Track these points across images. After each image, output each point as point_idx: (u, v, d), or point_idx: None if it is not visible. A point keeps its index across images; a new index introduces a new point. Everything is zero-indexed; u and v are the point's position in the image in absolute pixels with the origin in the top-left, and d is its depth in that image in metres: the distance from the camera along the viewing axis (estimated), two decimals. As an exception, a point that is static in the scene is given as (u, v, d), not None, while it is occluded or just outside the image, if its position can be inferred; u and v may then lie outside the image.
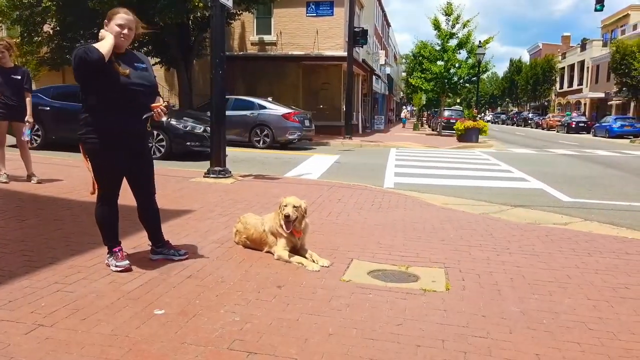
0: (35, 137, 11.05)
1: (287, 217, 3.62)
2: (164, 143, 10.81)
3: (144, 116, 3.28)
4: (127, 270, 3.29)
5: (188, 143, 10.90)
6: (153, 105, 3.23)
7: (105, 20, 3.26)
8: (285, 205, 3.67)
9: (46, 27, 18.67)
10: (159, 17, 15.59)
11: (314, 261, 3.65)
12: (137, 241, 3.97)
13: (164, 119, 3.41)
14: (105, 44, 3.07)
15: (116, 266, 3.30)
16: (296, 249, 3.78)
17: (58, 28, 18.37)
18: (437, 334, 2.56)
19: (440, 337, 2.53)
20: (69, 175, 7.13)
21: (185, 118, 11.43)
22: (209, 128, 10.85)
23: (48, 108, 11.22)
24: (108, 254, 3.38)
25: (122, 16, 3.22)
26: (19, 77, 6.42)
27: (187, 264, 3.54)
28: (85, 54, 2.99)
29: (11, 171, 6.76)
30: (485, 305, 2.98)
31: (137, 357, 2.22)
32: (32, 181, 6.47)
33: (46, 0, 16.41)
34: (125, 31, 3.21)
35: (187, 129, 10.98)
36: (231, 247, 4.02)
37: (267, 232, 3.87)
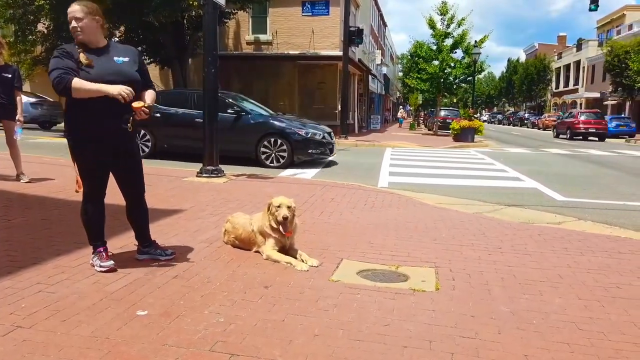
0: (144, 146, 10.33)
1: (285, 219, 3.58)
2: (284, 152, 9.98)
3: (125, 116, 3.13)
4: (112, 270, 3.23)
5: (310, 150, 10.15)
6: (134, 105, 3.08)
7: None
8: (279, 206, 3.62)
9: (40, 26, 18.57)
10: (154, 16, 15.52)
11: (303, 261, 3.61)
12: (125, 241, 3.92)
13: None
14: (88, 87, 2.96)
15: (100, 266, 3.24)
16: (285, 249, 3.74)
17: (52, 27, 18.26)
18: (425, 335, 2.52)
19: (428, 337, 2.49)
20: (61, 174, 7.06)
21: (297, 122, 10.62)
22: (327, 134, 10.61)
23: (158, 115, 10.15)
24: (93, 253, 3.33)
25: (69, 10, 3.11)
26: (10, 76, 6.34)
27: (174, 263, 3.49)
28: (56, 83, 2.94)
29: (2, 170, 6.69)
30: (474, 305, 2.93)
31: (117, 359, 2.16)
32: (22, 180, 6.40)
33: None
34: (73, 24, 3.07)
35: (309, 135, 10.15)
36: (220, 247, 3.97)
37: (256, 232, 3.82)
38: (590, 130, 26.58)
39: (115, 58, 3.19)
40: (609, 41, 37.88)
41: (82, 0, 3.15)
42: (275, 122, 10.29)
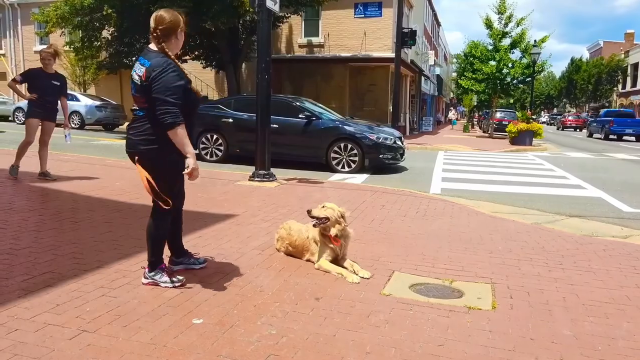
0: (217, 151, 10.73)
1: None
2: (355, 157, 9.94)
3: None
4: (183, 285, 3.19)
5: (381, 155, 10.07)
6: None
7: (169, 32, 3.04)
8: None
9: (104, 33, 19.56)
10: (212, 22, 15.97)
11: (354, 272, 3.58)
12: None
13: None
14: (184, 142, 2.93)
15: (172, 281, 3.18)
16: (337, 259, 3.73)
17: (116, 33, 19.20)
18: (481, 358, 2.43)
19: (484, 361, 2.40)
20: (122, 177, 7.40)
21: (366, 127, 10.47)
22: (398, 139, 10.58)
23: (231, 120, 10.66)
24: (152, 271, 3.22)
25: (177, 21, 3.07)
26: (58, 84, 6.96)
27: (228, 270, 3.56)
28: (167, 122, 2.89)
29: (68, 172, 7.08)
30: (534, 327, 2.81)
31: (173, 368, 2.23)
32: (49, 178, 6.92)
33: (107, 7, 17.16)
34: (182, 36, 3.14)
35: (380, 140, 10.04)
36: (272, 255, 4.01)
37: (310, 239, 3.84)
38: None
39: None
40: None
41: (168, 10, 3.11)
42: (346, 127, 10.28)
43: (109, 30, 19.43)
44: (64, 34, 20.35)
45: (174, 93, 2.90)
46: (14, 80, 6.91)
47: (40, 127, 6.95)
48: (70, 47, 19.96)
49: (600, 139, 28.18)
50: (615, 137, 27.71)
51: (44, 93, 6.79)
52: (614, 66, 54.58)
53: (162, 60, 2.98)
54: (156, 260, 3.24)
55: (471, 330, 2.75)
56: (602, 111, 35.10)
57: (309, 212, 3.74)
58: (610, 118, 28.44)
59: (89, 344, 2.41)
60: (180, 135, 2.91)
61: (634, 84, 51.82)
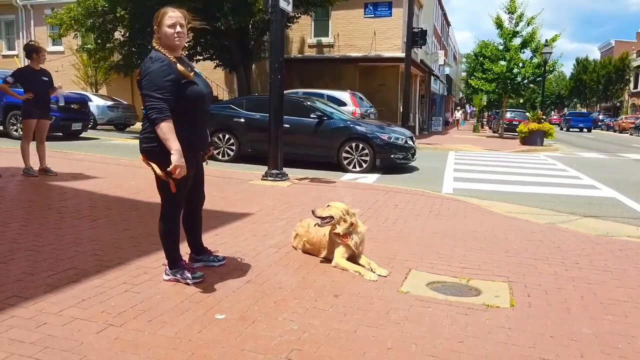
0: (229, 150, 10.84)
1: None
2: (366, 156, 9.98)
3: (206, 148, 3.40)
4: (203, 281, 3.23)
5: (392, 155, 10.10)
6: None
7: (155, 26, 3.05)
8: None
9: (116, 34, 19.73)
10: (224, 22, 16.05)
11: (372, 270, 3.61)
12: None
13: None
14: (170, 137, 2.87)
15: (194, 278, 3.21)
16: (354, 257, 3.76)
17: (128, 35, 19.36)
18: (502, 355, 2.45)
19: (505, 357, 2.42)
20: (137, 176, 7.48)
21: (378, 126, 10.57)
22: (409, 138, 10.60)
23: (243, 120, 10.75)
24: (173, 269, 3.24)
25: (170, 15, 3.01)
26: (47, 79, 7.07)
27: (246, 268, 3.61)
28: (151, 116, 2.87)
29: (83, 171, 7.18)
30: (553, 325, 2.82)
31: (199, 361, 2.28)
32: (50, 174, 7.06)
33: (120, 10, 17.30)
34: (178, 29, 3.01)
35: (391, 140, 10.08)
36: (288, 253, 4.05)
37: (328, 237, 3.87)
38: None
39: (195, 70, 3.22)
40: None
41: (177, 8, 3.11)
42: (358, 127, 10.32)
43: (121, 32, 19.60)
44: (77, 37, 20.55)
45: (160, 88, 2.87)
46: (5, 82, 6.98)
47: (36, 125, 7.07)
48: (83, 50, 20.16)
49: (566, 130, 40.52)
50: (577, 130, 40.67)
51: (37, 91, 6.89)
52: (620, 66, 54.07)
53: (153, 56, 2.98)
54: (175, 258, 3.27)
55: (490, 327, 2.77)
56: (567, 112, 52.41)
57: (313, 212, 3.78)
58: (570, 117, 43.63)
59: (116, 337, 2.46)
60: (164, 130, 2.85)
61: (646, 84, 51.32)
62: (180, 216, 3.26)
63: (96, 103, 19.92)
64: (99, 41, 19.22)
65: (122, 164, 8.93)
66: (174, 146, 2.87)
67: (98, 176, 7.34)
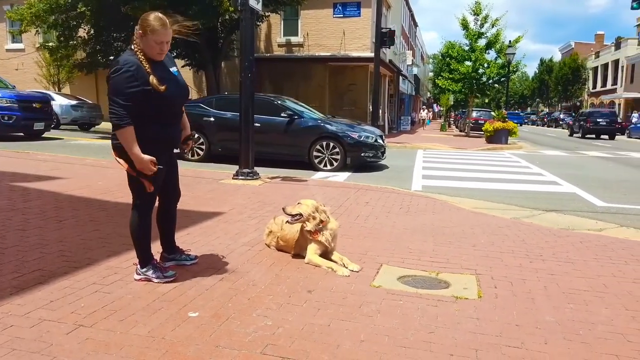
0: (198, 150, 10.67)
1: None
2: (337, 155, 10.04)
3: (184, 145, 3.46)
4: (175, 280, 3.21)
5: (363, 154, 10.21)
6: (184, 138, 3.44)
7: (140, 31, 2.98)
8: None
9: (81, 32, 19.21)
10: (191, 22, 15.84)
11: (344, 265, 3.66)
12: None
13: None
14: (130, 146, 2.91)
15: (165, 277, 3.21)
16: (326, 253, 3.80)
17: (92, 32, 18.88)
18: (470, 344, 2.53)
19: (474, 346, 2.51)
20: (105, 176, 7.33)
21: (348, 125, 10.61)
22: (379, 137, 10.65)
23: (212, 119, 10.62)
24: (144, 267, 3.22)
25: (162, 32, 2.98)
26: None
27: (219, 266, 3.60)
28: (113, 120, 2.90)
29: (48, 172, 6.99)
30: (519, 314, 2.93)
31: (174, 359, 2.27)
32: None
33: (81, 5, 16.85)
34: (164, 47, 3.04)
35: (362, 138, 10.17)
36: (261, 250, 4.06)
37: (300, 234, 3.90)
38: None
39: (171, 69, 3.19)
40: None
41: (160, 14, 3.03)
42: (328, 126, 10.36)
43: (85, 29, 19.09)
44: (39, 33, 19.91)
45: (122, 95, 2.88)
46: None
47: None
48: (45, 47, 19.55)
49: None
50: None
51: None
52: (576, 67, 56.14)
53: (122, 59, 2.96)
54: (146, 256, 3.25)
55: (459, 318, 2.85)
56: (505, 112, 54.85)
57: (284, 209, 3.84)
58: (507, 116, 46.15)
59: (87, 337, 2.42)
60: (124, 136, 2.90)
61: (603, 84, 53.39)
62: (151, 212, 3.24)
63: (59, 102, 19.32)
64: (61, 38, 18.67)
65: (88, 164, 8.72)
66: (134, 152, 2.92)
67: (63, 177, 7.15)
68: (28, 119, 13.35)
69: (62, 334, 2.45)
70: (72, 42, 19.03)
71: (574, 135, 31.48)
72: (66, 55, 20.25)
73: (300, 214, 3.76)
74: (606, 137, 29.07)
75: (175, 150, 3.40)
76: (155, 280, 3.19)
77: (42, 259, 3.55)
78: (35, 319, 2.60)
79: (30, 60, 25.48)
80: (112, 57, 19.71)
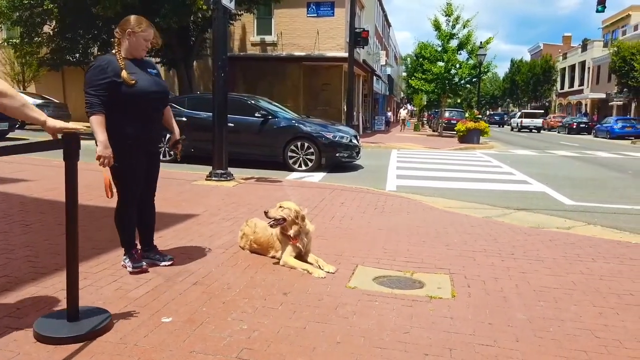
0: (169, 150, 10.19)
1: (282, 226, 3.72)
2: (312, 155, 10.04)
3: (175, 146, 3.79)
4: (144, 271, 3.39)
5: (338, 154, 10.21)
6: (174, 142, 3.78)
7: (128, 30, 3.23)
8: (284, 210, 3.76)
9: (46, 28, 18.67)
10: (163, 22, 15.60)
11: (319, 267, 3.66)
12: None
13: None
14: (97, 130, 3.09)
15: (133, 267, 3.38)
16: (301, 255, 3.79)
17: (58, 29, 18.38)
18: (445, 343, 2.56)
19: (448, 345, 2.54)
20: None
21: (322, 125, 10.58)
22: (353, 137, 10.63)
23: (184, 119, 10.25)
24: (125, 255, 3.45)
25: (149, 31, 3.29)
26: None
27: (193, 269, 3.55)
28: (87, 106, 3.12)
29: (12, 174, 6.76)
30: (491, 313, 2.98)
31: (147, 366, 2.22)
32: None
33: (48, 2, 16.38)
34: (148, 44, 3.35)
35: (336, 139, 10.18)
36: (236, 253, 4.02)
37: (275, 236, 3.88)
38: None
39: (149, 69, 3.37)
40: (616, 42, 37.80)
41: (140, 17, 3.32)
42: (303, 126, 10.33)
43: (50, 26, 18.56)
44: (1, 29, 19.28)
45: (93, 86, 3.11)
46: None
47: None
48: (8, 44, 18.93)
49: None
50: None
51: None
52: (547, 67, 57.64)
53: (99, 58, 3.29)
54: (127, 246, 3.45)
55: (434, 317, 2.88)
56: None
57: (266, 213, 3.77)
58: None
59: (56, 346, 2.35)
60: (93, 123, 3.09)
61: (571, 85, 54.95)
62: (134, 203, 3.41)
63: (25, 101, 18.73)
64: (25, 35, 18.10)
65: (55, 166, 8.47)
66: (100, 137, 3.08)
67: (29, 179, 6.94)
68: (-9, 119, 12.91)
69: (30, 342, 2.37)
70: (37, 38, 18.48)
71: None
72: (30, 52, 19.62)
73: (284, 219, 3.72)
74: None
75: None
76: (128, 269, 3.39)
77: (8, 265, 3.44)
78: (2, 327, 2.51)
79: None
80: (77, 55, 19.22)
